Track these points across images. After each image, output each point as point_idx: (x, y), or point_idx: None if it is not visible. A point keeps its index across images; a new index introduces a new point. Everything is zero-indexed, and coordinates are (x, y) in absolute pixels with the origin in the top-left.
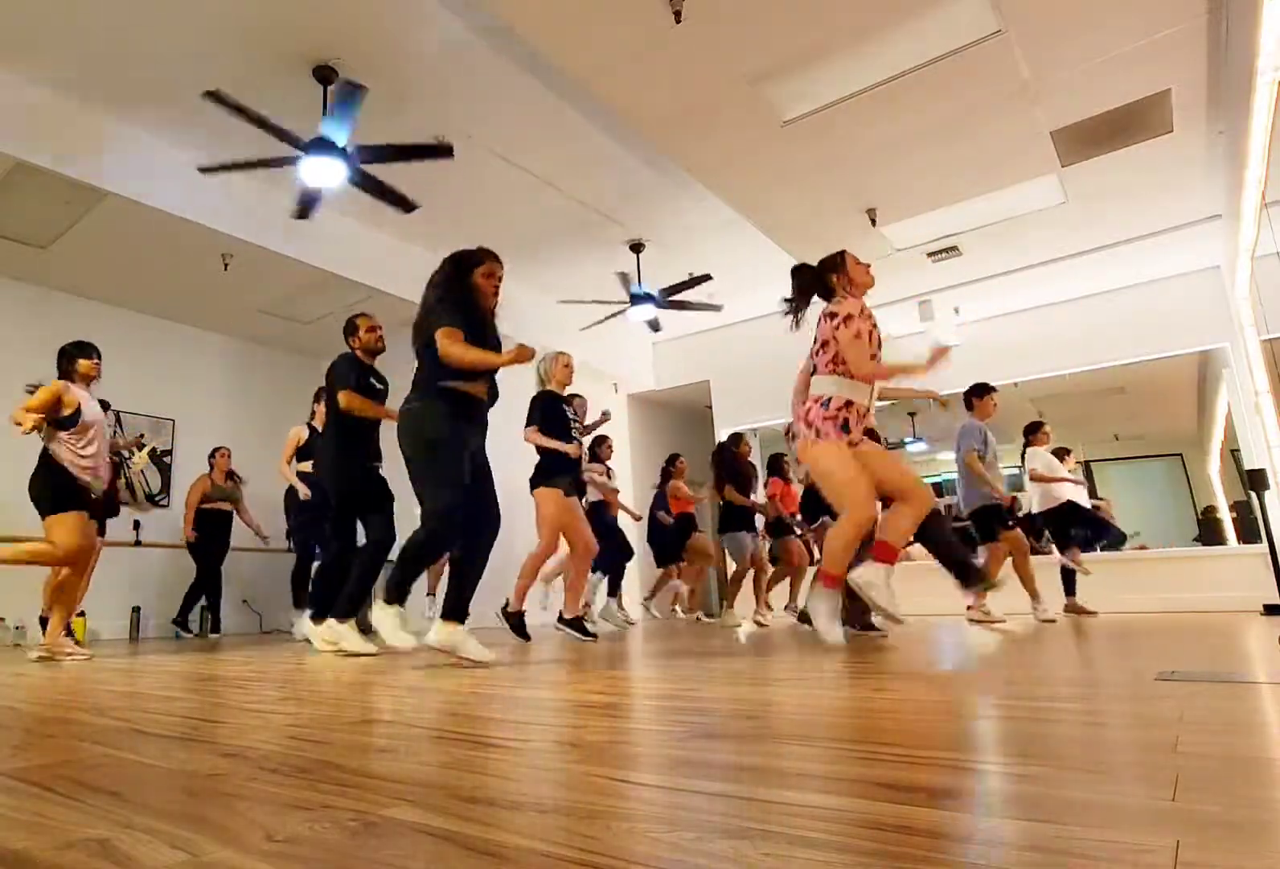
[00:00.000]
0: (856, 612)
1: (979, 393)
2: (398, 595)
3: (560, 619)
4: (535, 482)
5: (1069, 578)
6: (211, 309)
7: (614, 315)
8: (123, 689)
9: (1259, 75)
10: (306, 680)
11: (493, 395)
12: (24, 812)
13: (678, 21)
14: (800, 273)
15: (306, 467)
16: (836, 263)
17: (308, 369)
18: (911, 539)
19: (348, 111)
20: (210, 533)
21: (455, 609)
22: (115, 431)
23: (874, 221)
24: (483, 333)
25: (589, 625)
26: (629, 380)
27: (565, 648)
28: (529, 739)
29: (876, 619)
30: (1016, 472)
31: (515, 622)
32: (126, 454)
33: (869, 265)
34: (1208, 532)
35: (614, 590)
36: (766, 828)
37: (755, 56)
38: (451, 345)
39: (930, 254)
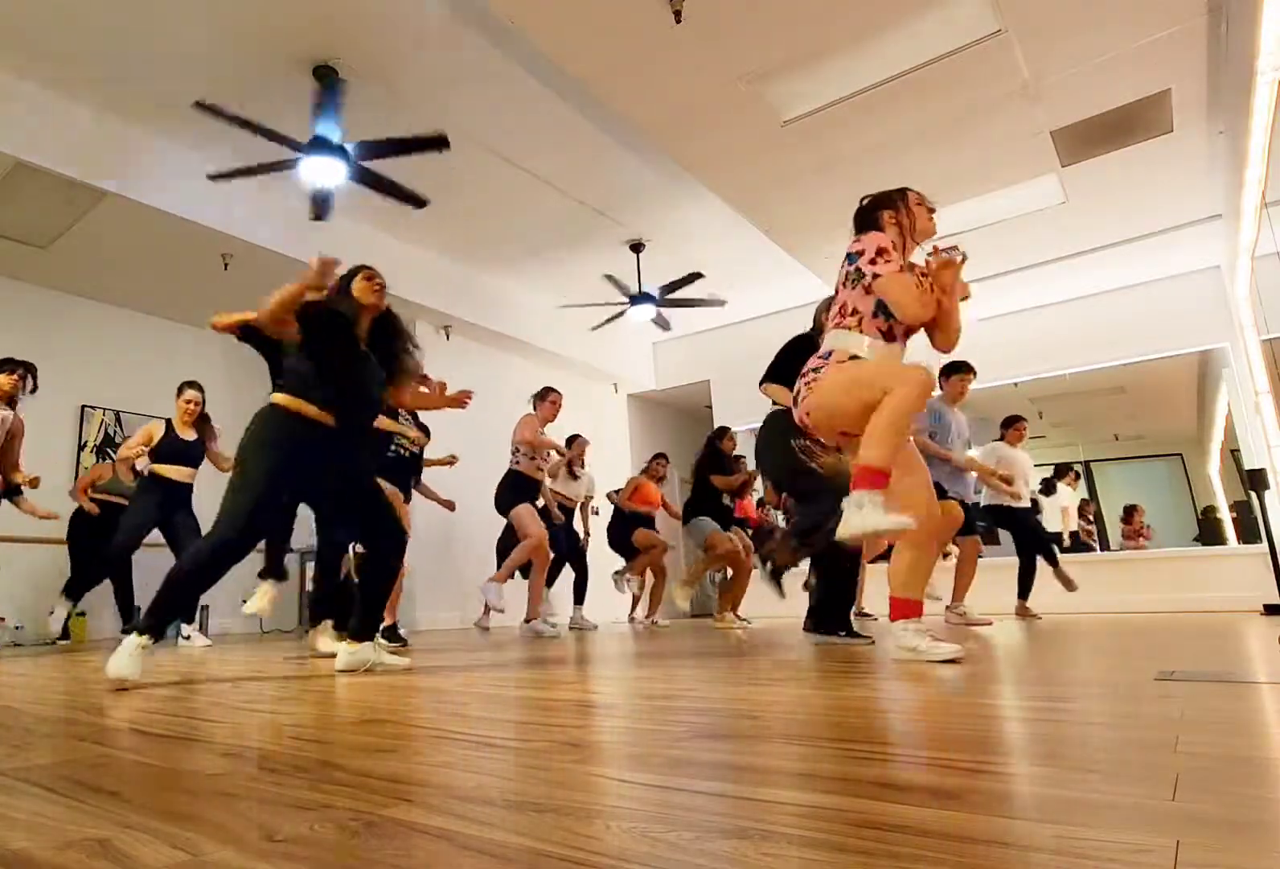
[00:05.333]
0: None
1: (946, 372)
2: (158, 624)
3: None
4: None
5: (1026, 581)
6: (211, 309)
7: (616, 316)
8: (122, 689)
9: (1259, 75)
10: (306, 680)
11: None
12: (24, 812)
13: (678, 21)
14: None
15: (167, 470)
16: (893, 198)
17: None
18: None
19: (333, 105)
20: (99, 526)
21: (362, 629)
22: (114, 431)
23: None
24: (329, 337)
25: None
26: (629, 380)
27: (562, 649)
28: (529, 739)
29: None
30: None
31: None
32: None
33: (934, 210)
34: (1208, 532)
35: (579, 598)
36: (766, 828)
37: (755, 56)
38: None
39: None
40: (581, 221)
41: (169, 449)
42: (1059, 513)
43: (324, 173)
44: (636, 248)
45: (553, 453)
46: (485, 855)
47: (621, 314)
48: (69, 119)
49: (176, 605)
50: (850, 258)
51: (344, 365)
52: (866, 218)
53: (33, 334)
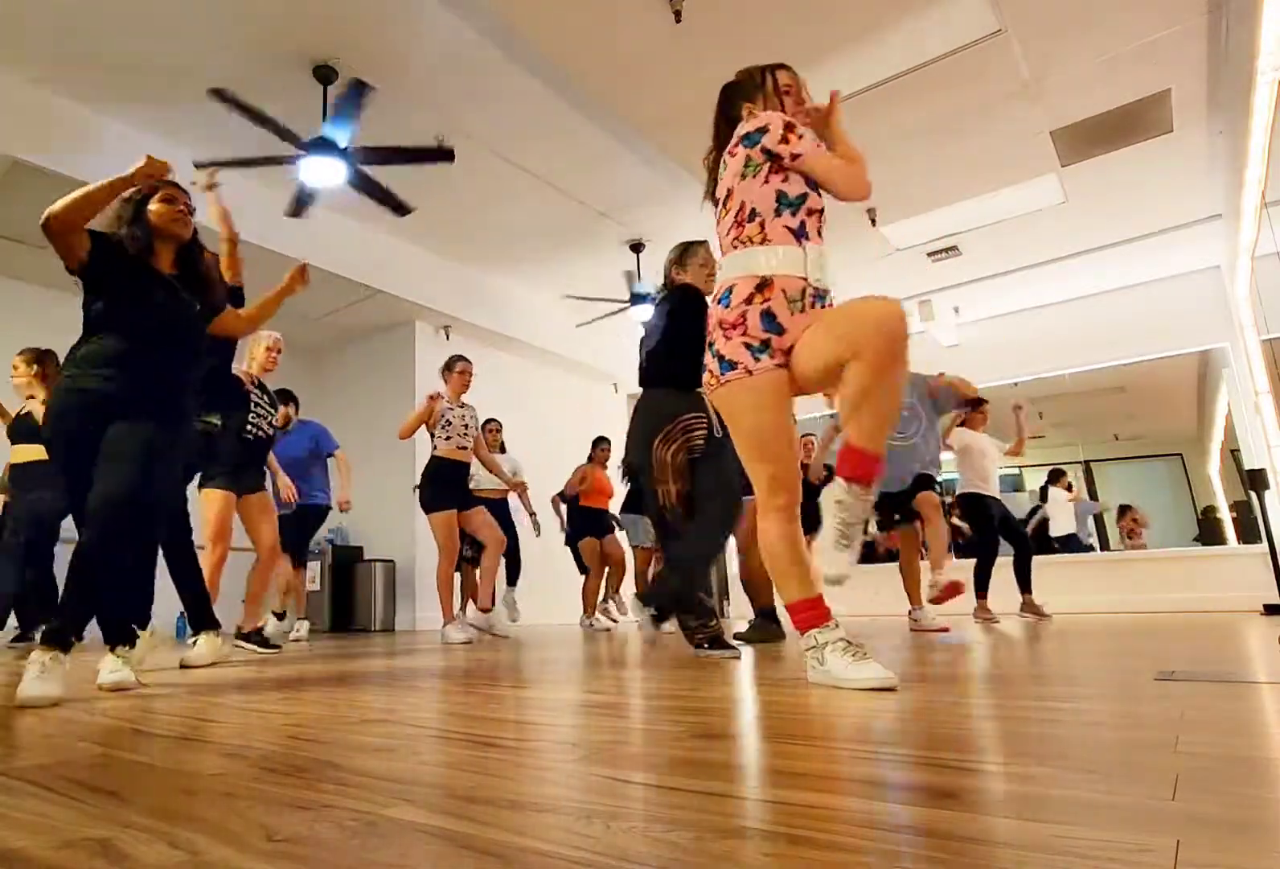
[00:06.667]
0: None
1: None
2: (114, 630)
3: (238, 633)
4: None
5: (1023, 572)
6: None
7: (607, 315)
8: (122, 689)
9: (1259, 75)
10: (306, 680)
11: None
12: (24, 811)
13: (678, 21)
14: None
15: (26, 452)
16: (755, 84)
17: (309, 367)
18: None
19: (352, 111)
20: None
21: (115, 632)
22: None
23: (874, 221)
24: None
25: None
26: (629, 380)
27: (557, 648)
28: (529, 739)
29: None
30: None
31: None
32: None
33: (808, 112)
34: (1208, 532)
35: (513, 579)
36: (766, 828)
37: (755, 56)
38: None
39: (930, 254)
40: (582, 221)
41: (24, 426)
42: (1066, 514)
43: (323, 173)
44: (636, 248)
45: (463, 427)
46: (486, 856)
47: (613, 313)
48: (69, 119)
49: (117, 611)
50: (749, 139)
51: (139, 298)
52: (724, 109)
53: (33, 334)
